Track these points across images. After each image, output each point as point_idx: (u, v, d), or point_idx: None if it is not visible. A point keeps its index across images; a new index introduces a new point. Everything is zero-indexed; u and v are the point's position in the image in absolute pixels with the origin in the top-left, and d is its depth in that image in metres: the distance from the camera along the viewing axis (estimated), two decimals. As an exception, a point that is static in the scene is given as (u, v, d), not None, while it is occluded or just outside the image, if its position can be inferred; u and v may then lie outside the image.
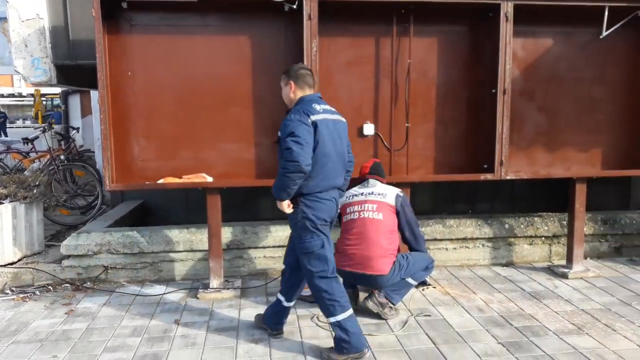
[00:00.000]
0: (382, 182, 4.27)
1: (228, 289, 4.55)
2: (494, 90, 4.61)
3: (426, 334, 3.74)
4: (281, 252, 4.86)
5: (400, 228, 4.12)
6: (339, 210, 3.59)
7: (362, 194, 4.15)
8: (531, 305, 4.23)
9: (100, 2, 4.07)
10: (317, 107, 3.36)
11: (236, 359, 3.41)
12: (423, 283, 4.53)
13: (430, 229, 5.18)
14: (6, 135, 21.35)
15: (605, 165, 5.07)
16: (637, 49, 4.97)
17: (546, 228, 5.37)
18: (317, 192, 3.36)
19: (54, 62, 5.58)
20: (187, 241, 4.94)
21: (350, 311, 3.39)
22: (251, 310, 4.14)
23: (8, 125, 25.58)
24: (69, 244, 4.88)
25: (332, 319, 3.37)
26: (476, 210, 6.51)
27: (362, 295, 4.17)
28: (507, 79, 4.57)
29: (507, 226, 5.33)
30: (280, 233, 5.03)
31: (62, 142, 8.86)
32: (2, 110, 27.74)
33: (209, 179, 4.46)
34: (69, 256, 4.90)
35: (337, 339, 3.37)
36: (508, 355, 3.40)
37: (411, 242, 4.19)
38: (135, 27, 4.38)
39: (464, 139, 4.89)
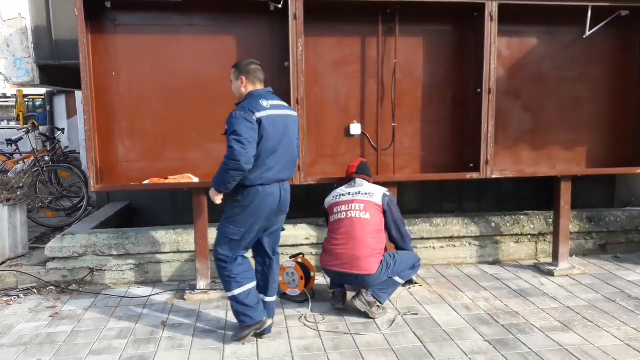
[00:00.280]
0: (369, 182, 4.27)
1: (215, 290, 4.52)
2: (479, 90, 4.64)
3: (413, 332, 3.75)
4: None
5: (387, 227, 4.13)
6: (287, 203, 3.67)
7: (349, 193, 4.16)
8: (517, 303, 4.26)
9: (84, 1, 4.03)
10: (265, 103, 3.46)
11: (223, 360, 3.40)
12: (410, 281, 4.56)
13: (417, 227, 5.19)
14: (-10, 137, 21.06)
15: (590, 164, 5.12)
16: (620, 47, 5.03)
17: (532, 226, 5.41)
18: (258, 185, 3.45)
19: (37, 62, 5.52)
20: (173, 242, 4.91)
21: (249, 286, 3.55)
22: (238, 311, 4.12)
23: (-8, 126, 25.23)
24: (53, 246, 4.82)
25: (229, 294, 3.56)
26: (463, 209, 6.55)
27: (349, 294, 4.18)
28: (492, 79, 4.60)
29: (493, 225, 5.36)
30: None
31: (47, 144, 8.77)
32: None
33: (195, 180, 4.44)
34: (53, 258, 4.84)
35: (235, 314, 3.59)
36: (494, 353, 3.42)
37: (398, 241, 4.21)
38: (120, 27, 4.35)
39: (450, 138, 4.92)
